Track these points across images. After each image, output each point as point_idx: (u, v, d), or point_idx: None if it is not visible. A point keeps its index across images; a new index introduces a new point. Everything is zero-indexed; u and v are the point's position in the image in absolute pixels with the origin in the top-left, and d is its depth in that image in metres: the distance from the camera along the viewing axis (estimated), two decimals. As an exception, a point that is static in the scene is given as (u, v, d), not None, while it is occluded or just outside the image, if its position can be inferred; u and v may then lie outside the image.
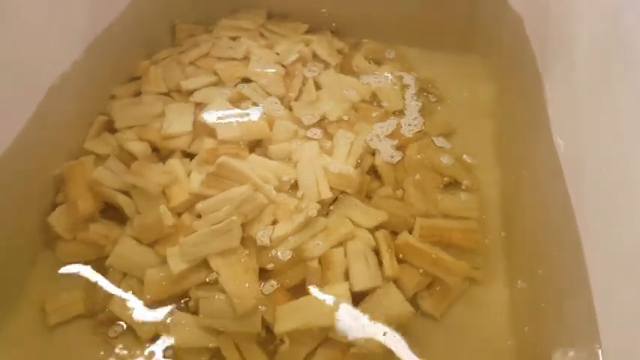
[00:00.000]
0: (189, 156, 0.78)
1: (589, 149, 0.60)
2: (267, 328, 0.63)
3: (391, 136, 0.84)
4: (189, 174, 0.74)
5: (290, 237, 0.67)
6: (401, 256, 0.70)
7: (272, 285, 0.65)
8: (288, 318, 0.62)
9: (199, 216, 0.69)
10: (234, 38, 0.99)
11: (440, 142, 0.87)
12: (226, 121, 0.79)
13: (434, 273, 0.69)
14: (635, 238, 0.48)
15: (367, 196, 0.77)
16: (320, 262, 0.67)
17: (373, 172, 0.80)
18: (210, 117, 0.80)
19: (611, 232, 0.52)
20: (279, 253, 0.66)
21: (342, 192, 0.74)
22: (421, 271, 0.69)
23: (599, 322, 0.51)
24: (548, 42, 0.79)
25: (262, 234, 0.66)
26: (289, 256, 0.66)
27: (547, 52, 0.78)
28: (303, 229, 0.68)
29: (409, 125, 0.87)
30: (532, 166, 0.76)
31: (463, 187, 0.80)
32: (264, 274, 0.66)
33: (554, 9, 0.77)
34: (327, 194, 0.71)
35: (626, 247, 0.49)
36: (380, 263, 0.68)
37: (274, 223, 0.68)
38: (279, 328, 0.61)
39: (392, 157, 0.81)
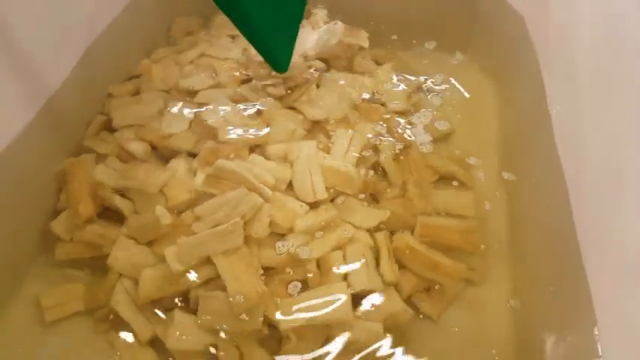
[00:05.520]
0: (193, 155, 0.77)
1: (590, 149, 0.60)
2: (270, 325, 0.63)
3: (393, 134, 0.84)
4: (194, 172, 0.73)
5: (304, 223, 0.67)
6: (400, 259, 0.69)
7: (274, 281, 0.65)
8: (293, 314, 0.62)
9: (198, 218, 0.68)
10: (233, 36, 0.98)
11: (440, 141, 0.86)
12: (226, 122, 0.79)
13: (432, 277, 0.68)
14: (633, 238, 0.47)
15: (374, 199, 0.76)
16: (318, 266, 0.67)
17: (380, 171, 0.80)
18: (210, 118, 0.79)
19: (610, 232, 0.52)
20: (293, 248, 0.66)
21: (342, 193, 0.73)
22: (418, 277, 0.68)
23: (599, 324, 0.51)
24: (548, 42, 0.79)
25: (282, 245, 0.67)
26: (305, 253, 0.66)
27: (547, 52, 0.78)
28: (315, 217, 0.68)
29: (410, 124, 0.87)
30: (533, 165, 0.76)
31: (455, 183, 0.79)
32: (266, 272, 0.66)
33: (555, 9, 0.77)
34: (322, 195, 0.71)
35: (624, 248, 0.49)
36: (378, 266, 0.68)
37: (271, 223, 0.67)
38: (285, 324, 0.61)
39: (398, 150, 0.80)
